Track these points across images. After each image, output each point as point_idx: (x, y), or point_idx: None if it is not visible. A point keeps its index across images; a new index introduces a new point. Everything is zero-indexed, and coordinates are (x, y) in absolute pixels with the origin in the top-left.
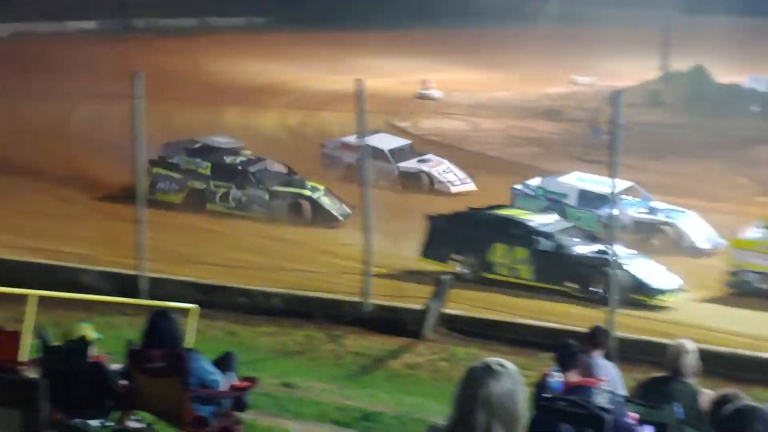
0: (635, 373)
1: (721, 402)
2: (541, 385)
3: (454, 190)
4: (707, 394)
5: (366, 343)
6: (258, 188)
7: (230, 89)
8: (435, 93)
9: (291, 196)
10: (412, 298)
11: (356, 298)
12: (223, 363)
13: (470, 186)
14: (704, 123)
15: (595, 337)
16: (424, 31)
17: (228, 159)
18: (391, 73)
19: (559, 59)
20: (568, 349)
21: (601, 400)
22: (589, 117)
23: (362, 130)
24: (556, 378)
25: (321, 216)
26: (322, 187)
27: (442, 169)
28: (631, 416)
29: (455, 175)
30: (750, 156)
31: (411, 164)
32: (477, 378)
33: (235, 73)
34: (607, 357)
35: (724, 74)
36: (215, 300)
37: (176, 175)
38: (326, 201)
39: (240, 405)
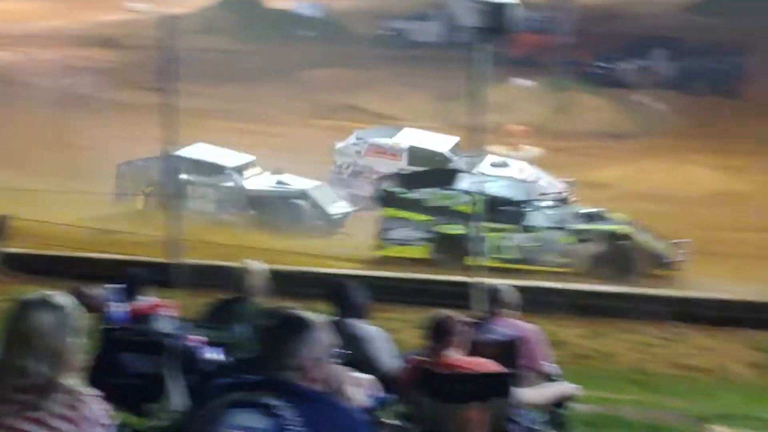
0: (206, 298)
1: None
2: (103, 317)
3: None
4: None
5: None
6: (551, 230)
7: None
8: None
9: (604, 237)
10: None
11: None
12: None
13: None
14: (258, 48)
15: None
16: None
17: (488, 186)
18: None
19: None
20: (133, 278)
21: (162, 326)
22: (148, 44)
23: None
24: (118, 308)
25: (655, 263)
26: (623, 216)
27: (534, 174)
28: (196, 339)
29: (549, 180)
30: (302, 79)
31: (489, 170)
32: (15, 312)
33: None
34: None
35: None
36: None
37: (419, 217)
38: (650, 240)
39: None
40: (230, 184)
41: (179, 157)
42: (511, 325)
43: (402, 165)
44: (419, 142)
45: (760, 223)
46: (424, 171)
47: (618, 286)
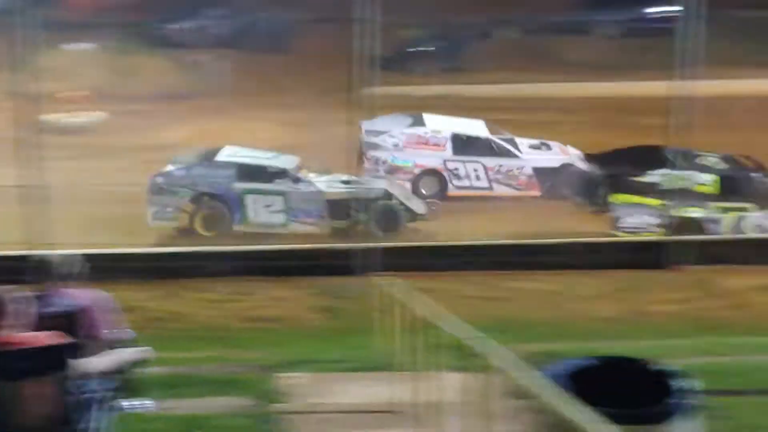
0: None
1: None
2: None
3: None
4: None
5: None
6: None
7: None
8: None
9: None
10: None
11: None
12: None
13: None
14: None
15: None
16: None
17: (707, 162)
18: None
19: None
20: None
21: None
22: None
23: None
24: None
25: None
26: None
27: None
28: None
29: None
30: None
31: (539, 156)
32: None
33: None
34: None
35: None
36: None
37: (653, 202)
38: None
39: None
40: (303, 189)
41: (227, 163)
42: (73, 296)
43: (447, 155)
44: (455, 128)
45: None
46: (625, 150)
47: (185, 247)
